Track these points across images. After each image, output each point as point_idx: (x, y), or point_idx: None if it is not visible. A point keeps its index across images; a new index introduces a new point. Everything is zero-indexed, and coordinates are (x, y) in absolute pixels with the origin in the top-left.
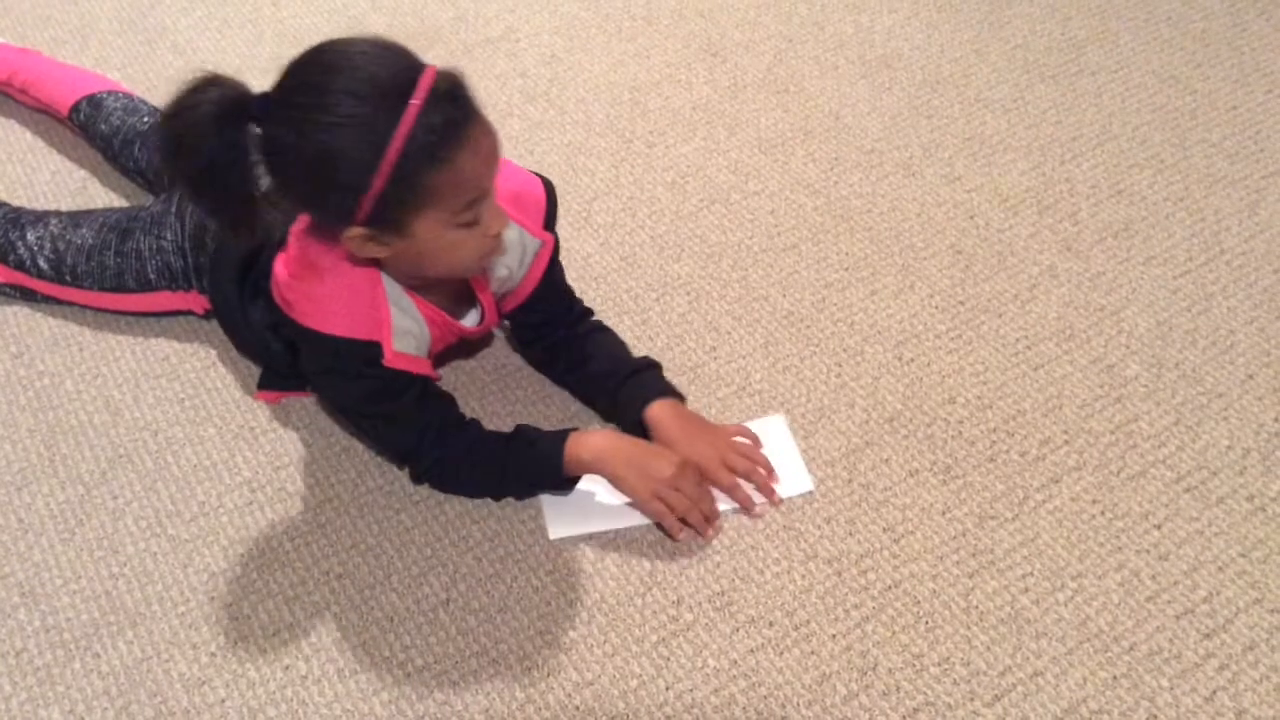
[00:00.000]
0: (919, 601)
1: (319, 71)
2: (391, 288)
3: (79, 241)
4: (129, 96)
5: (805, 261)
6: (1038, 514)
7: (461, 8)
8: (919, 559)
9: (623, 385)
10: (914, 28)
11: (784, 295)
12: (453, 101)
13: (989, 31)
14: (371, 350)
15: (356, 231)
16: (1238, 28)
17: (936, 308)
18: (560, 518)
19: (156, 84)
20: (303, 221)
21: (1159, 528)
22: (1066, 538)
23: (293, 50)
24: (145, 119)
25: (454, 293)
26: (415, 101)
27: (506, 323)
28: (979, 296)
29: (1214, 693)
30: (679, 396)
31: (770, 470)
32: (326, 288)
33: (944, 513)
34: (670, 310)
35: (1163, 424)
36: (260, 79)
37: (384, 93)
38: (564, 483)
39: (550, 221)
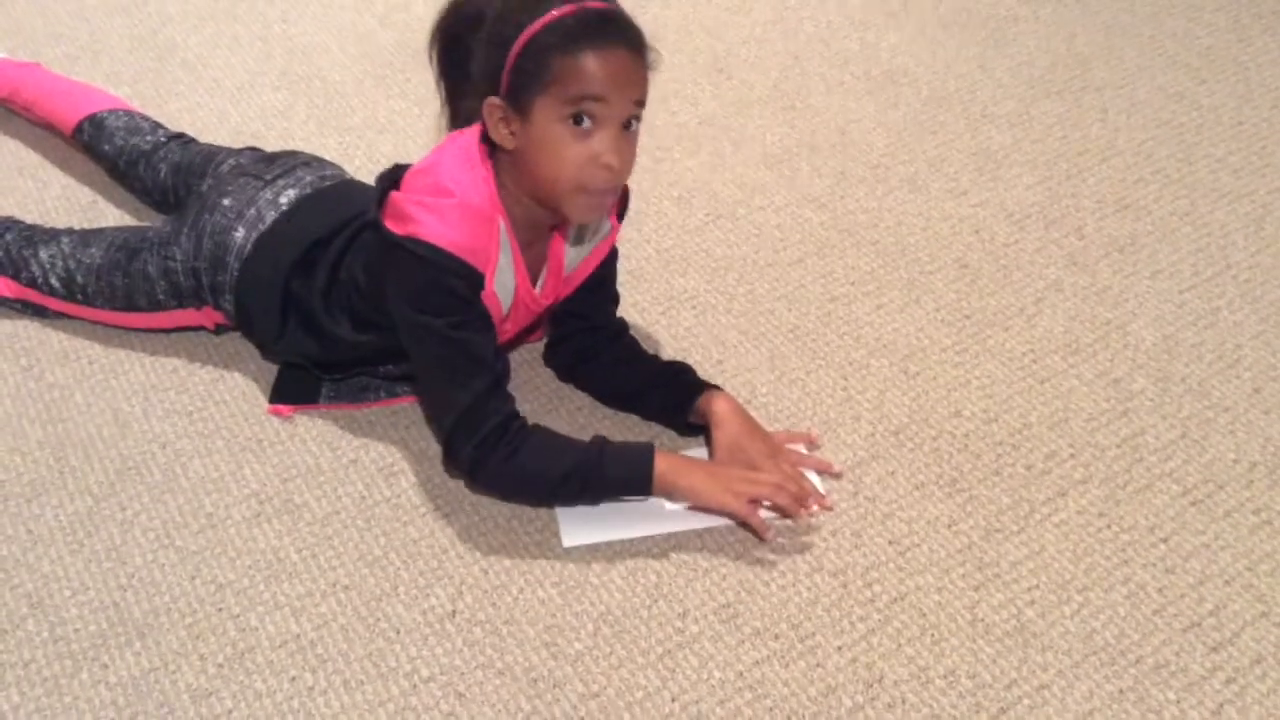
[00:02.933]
0: (925, 614)
1: None
2: (504, 236)
3: (89, 261)
4: (130, 114)
5: (811, 276)
6: (1044, 527)
7: None
8: (925, 572)
9: (678, 376)
10: (919, 44)
11: (790, 309)
12: (609, 19)
13: (994, 48)
14: (475, 276)
15: (497, 102)
16: (1242, 44)
17: (942, 322)
18: (575, 526)
19: (166, 99)
20: (433, 155)
21: (1165, 541)
22: (1073, 551)
23: (303, 67)
24: (147, 138)
25: (537, 257)
26: (585, 3)
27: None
28: (985, 310)
29: (1221, 706)
30: None
31: (828, 465)
32: (453, 205)
33: (950, 525)
34: (676, 324)
35: (1169, 437)
36: (271, 95)
37: None
38: (647, 489)
39: (622, 212)
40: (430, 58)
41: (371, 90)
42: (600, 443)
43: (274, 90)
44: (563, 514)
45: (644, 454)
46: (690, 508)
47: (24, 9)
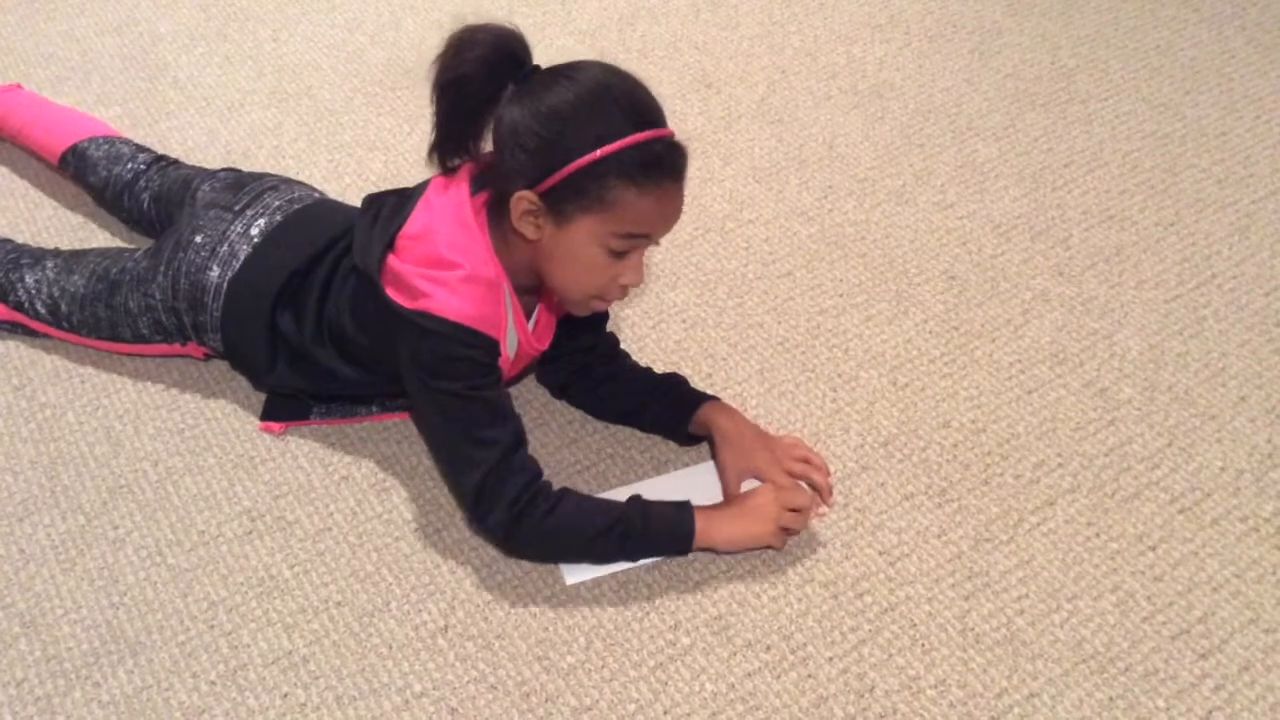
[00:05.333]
0: (915, 624)
1: (598, 70)
2: (508, 298)
3: (72, 290)
4: (111, 141)
5: (800, 288)
6: (1033, 536)
7: None
8: (915, 582)
9: (674, 388)
10: (905, 58)
11: (779, 322)
12: (677, 157)
13: (979, 61)
14: (492, 345)
15: (529, 195)
16: (1226, 55)
17: (930, 333)
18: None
19: (157, 119)
20: (423, 216)
21: (1153, 549)
22: (1062, 560)
23: (293, 85)
24: (128, 166)
25: (530, 302)
26: (655, 131)
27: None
28: (972, 322)
29: (1210, 713)
30: None
31: (826, 472)
32: (462, 278)
33: (939, 535)
34: (666, 338)
35: (1156, 446)
36: (261, 113)
37: (637, 112)
38: (689, 545)
39: None
40: (432, 99)
41: (361, 108)
42: (639, 500)
43: (264, 109)
44: None
45: (685, 511)
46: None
47: (14, 30)
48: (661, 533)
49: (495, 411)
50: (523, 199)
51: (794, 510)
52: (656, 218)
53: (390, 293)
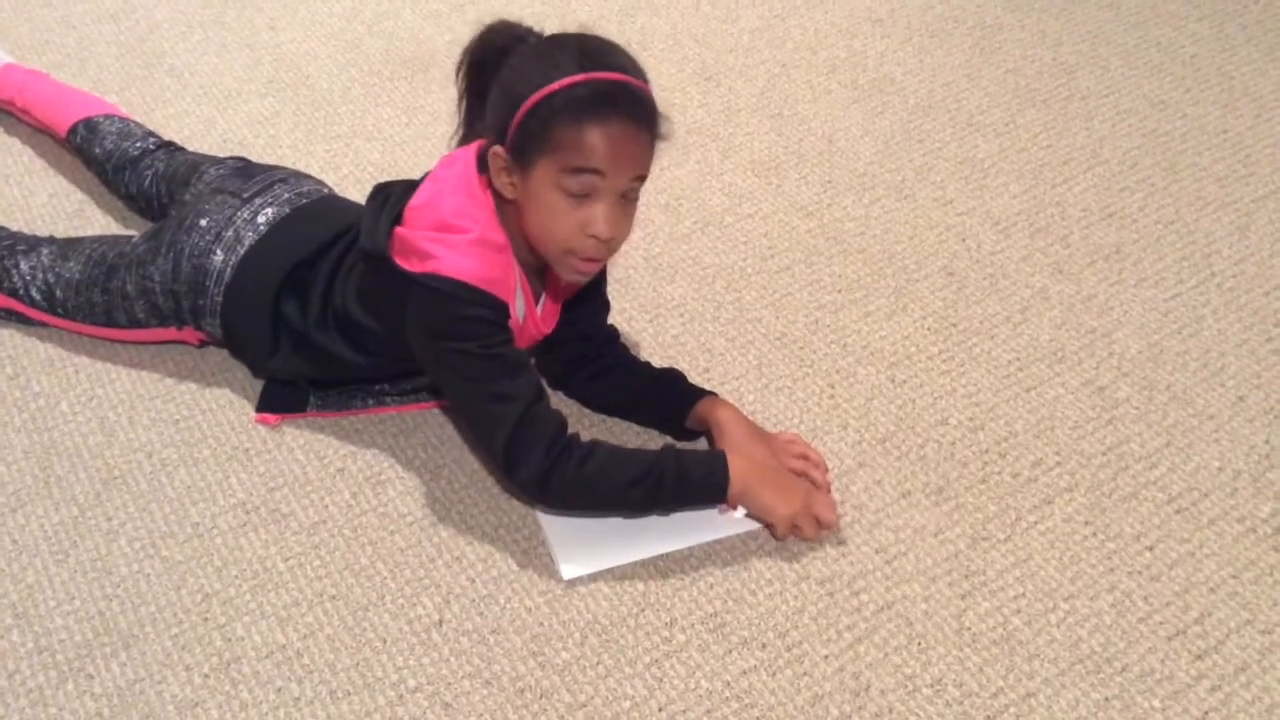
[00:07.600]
0: (911, 623)
1: (572, 36)
2: (516, 268)
3: (67, 275)
4: (124, 120)
5: (798, 283)
6: (1030, 535)
7: (457, 32)
8: (911, 580)
9: (672, 383)
10: (906, 53)
11: (777, 317)
12: (619, 93)
13: (980, 56)
14: (501, 306)
15: (501, 151)
16: (1227, 53)
17: (929, 330)
18: (574, 556)
19: (154, 107)
20: (430, 188)
21: (1151, 549)
22: (1059, 559)
23: (290, 74)
24: (137, 144)
25: (536, 284)
26: (604, 73)
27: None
28: (971, 319)
29: (1206, 714)
30: None
31: (825, 468)
32: (470, 240)
33: (936, 534)
34: (664, 332)
35: (1154, 446)
36: (258, 101)
37: (585, 55)
38: (723, 494)
39: None
40: (456, 75)
41: (359, 98)
42: (672, 449)
43: (261, 98)
44: (558, 545)
45: (718, 460)
46: (748, 515)
47: (10, 16)
48: (696, 481)
49: (511, 366)
50: (493, 154)
51: (815, 519)
52: (603, 150)
53: (398, 261)
